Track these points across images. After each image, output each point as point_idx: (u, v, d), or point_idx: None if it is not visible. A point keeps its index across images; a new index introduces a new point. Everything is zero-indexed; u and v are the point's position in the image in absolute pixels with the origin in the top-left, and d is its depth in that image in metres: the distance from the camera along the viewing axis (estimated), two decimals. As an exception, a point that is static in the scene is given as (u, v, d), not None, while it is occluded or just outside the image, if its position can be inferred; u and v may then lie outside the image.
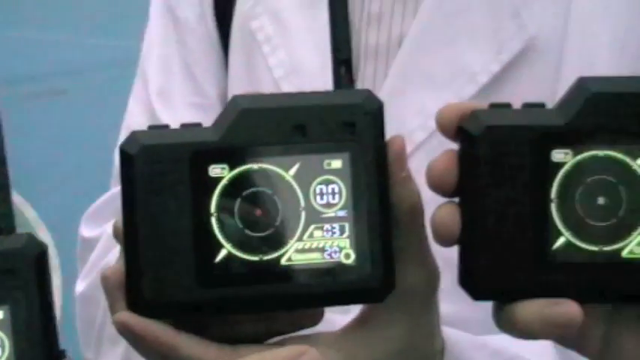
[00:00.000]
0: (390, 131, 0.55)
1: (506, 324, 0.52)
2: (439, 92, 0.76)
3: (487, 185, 0.52)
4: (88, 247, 0.89)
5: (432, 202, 0.54)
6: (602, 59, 0.74)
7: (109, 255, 0.83)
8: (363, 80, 0.78)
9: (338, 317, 0.59)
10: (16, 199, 5.35)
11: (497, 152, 0.52)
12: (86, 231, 0.90)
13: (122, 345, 0.79)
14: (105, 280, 0.55)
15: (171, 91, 0.88)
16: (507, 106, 0.53)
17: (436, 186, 0.53)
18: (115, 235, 0.55)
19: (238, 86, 0.84)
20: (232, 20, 0.85)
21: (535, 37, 0.74)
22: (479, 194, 0.52)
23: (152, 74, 0.89)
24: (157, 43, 0.90)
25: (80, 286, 0.87)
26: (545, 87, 0.74)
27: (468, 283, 0.53)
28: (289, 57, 0.81)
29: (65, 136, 5.80)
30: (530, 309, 0.51)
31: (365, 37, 0.79)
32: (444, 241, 0.53)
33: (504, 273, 0.52)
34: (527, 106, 0.53)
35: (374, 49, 0.78)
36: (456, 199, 0.53)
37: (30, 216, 5.18)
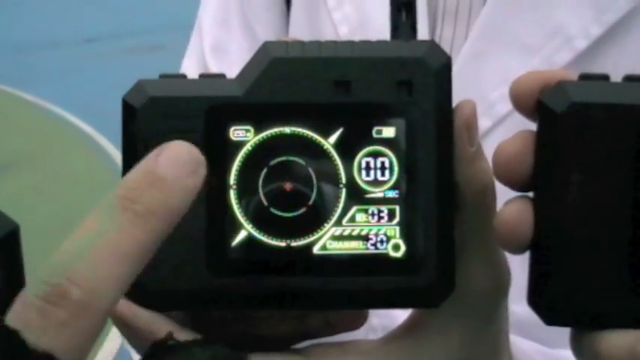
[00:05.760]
0: None
1: (586, 357, 0.41)
2: (527, 58, 0.65)
3: (570, 178, 0.41)
4: None
5: (499, 196, 0.43)
6: None
7: None
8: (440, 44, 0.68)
9: (402, 314, 0.49)
10: (111, 150, 5.42)
11: (585, 136, 0.40)
12: None
13: None
14: None
15: (228, 46, 0.80)
16: (604, 78, 0.41)
17: (505, 175, 0.42)
18: None
19: None
20: None
21: None
22: (559, 188, 0.41)
23: (208, 27, 0.82)
24: None
25: None
26: None
27: (539, 303, 0.42)
28: (356, 11, 0.72)
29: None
30: (620, 342, 0.40)
31: None
32: (511, 246, 0.42)
33: (588, 292, 0.41)
34: (631, 79, 0.41)
35: (454, 7, 0.69)
36: (530, 194, 0.42)
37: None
